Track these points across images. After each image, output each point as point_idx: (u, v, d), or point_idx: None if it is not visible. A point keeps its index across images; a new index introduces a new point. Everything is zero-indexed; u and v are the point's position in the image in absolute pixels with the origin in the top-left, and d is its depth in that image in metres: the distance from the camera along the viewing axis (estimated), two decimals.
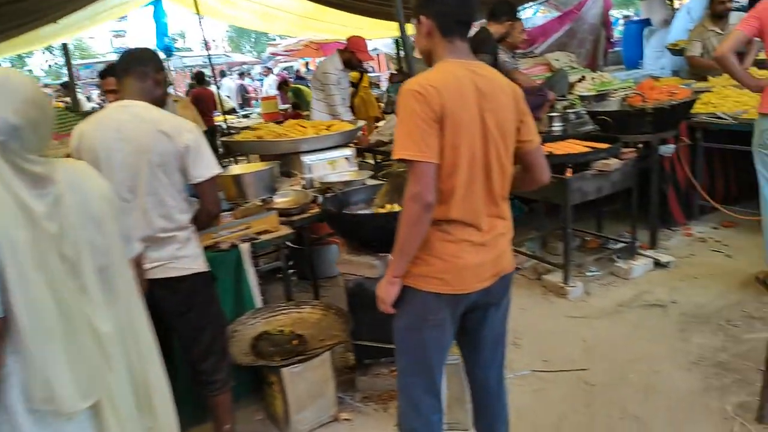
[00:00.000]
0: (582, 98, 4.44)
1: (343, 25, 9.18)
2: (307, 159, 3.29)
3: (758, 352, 2.40)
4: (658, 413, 2.26)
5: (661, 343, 2.74)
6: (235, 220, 2.65)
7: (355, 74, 6.89)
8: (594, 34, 7.98)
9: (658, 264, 3.56)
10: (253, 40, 31.49)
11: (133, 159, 1.96)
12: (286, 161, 3.54)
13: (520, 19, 4.67)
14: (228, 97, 13.01)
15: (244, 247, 2.57)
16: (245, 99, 13.49)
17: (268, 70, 15.27)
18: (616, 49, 11.80)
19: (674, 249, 3.81)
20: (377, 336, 2.46)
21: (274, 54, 15.06)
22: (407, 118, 1.50)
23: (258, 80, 16.62)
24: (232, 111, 12.01)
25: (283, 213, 2.90)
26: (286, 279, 2.85)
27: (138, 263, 1.62)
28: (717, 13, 4.81)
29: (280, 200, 3.14)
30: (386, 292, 1.62)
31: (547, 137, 3.84)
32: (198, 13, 7.39)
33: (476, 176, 1.55)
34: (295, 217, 2.91)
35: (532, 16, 16.92)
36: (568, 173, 3.21)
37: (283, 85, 10.47)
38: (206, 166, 2.04)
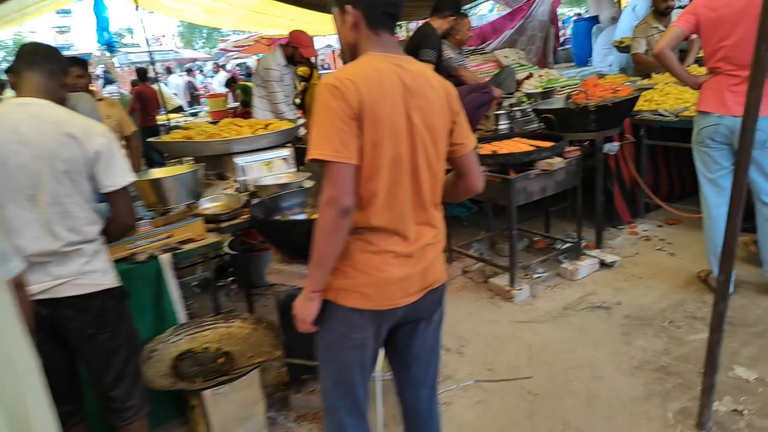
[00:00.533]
0: (529, 96, 4.39)
1: (292, 19, 8.94)
2: (240, 160, 3.10)
3: (699, 354, 2.35)
4: (599, 423, 2.19)
5: (605, 347, 2.68)
6: (155, 229, 2.44)
7: (304, 69, 6.68)
8: (543, 31, 8.02)
9: (603, 264, 3.53)
10: (205, 36, 30.68)
11: (33, 165, 1.73)
12: (220, 163, 3.33)
13: (466, 16, 4.58)
14: (175, 94, 12.56)
15: (165, 258, 2.37)
16: (194, 97, 13.03)
17: (219, 67, 14.82)
18: (567, 46, 11.97)
19: (620, 248, 3.80)
20: (311, 351, 2.30)
21: (224, 50, 14.63)
22: (322, 114, 1.35)
23: (211, 77, 16.13)
24: (179, 109, 11.58)
25: (211, 219, 2.71)
26: (213, 291, 2.65)
27: (19, 284, 1.41)
28: (660, 11, 4.84)
29: (210, 205, 2.94)
30: (304, 310, 1.46)
31: (494, 135, 3.76)
32: (136, 5, 7.02)
33: (401, 179, 1.41)
34: (225, 224, 2.72)
35: (488, 12, 17.04)
36: (513, 173, 3.13)
37: (231, 82, 10.12)
38: (119, 174, 1.84)
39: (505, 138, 3.66)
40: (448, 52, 4.40)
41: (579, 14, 17.62)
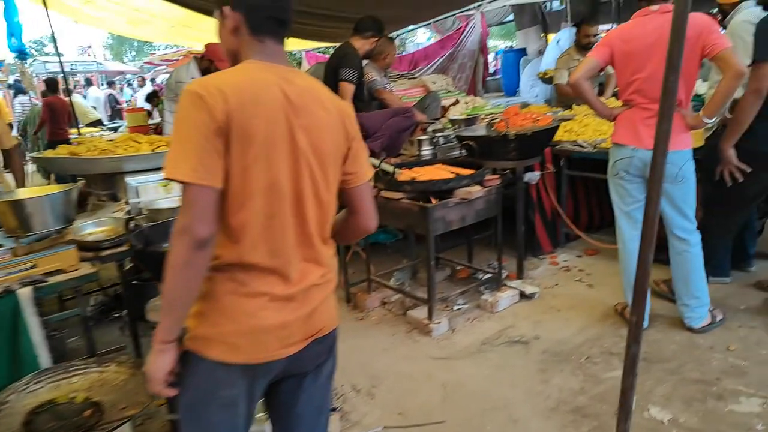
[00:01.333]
0: (453, 122, 4.32)
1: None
2: (133, 180, 2.78)
3: (616, 393, 2.23)
4: None
5: (522, 386, 2.55)
6: (14, 258, 2.10)
7: None
8: (472, 60, 8.14)
9: (523, 295, 3.44)
10: (135, 48, 29.58)
11: None
12: (113, 183, 3.00)
13: (391, 39, 4.49)
14: (94, 107, 11.84)
15: (24, 293, 2.03)
16: (115, 111, 12.34)
17: (144, 81, 14.16)
18: (497, 77, 12.29)
19: (540, 278, 3.74)
20: None
21: (150, 63, 14.01)
22: (180, 127, 1.13)
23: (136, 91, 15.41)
24: (98, 123, 10.92)
25: (91, 247, 2.39)
26: (87, 329, 2.31)
27: None
28: (582, 45, 4.96)
29: (95, 230, 2.61)
30: (154, 366, 1.20)
31: (416, 161, 3.63)
32: (46, 7, 6.54)
33: (280, 209, 1.20)
34: (107, 252, 2.40)
35: (426, 41, 17.33)
36: (432, 201, 3.00)
37: (153, 96, 9.62)
38: None
39: (427, 164, 3.54)
40: (372, 74, 4.29)
41: (511, 46, 18.32)
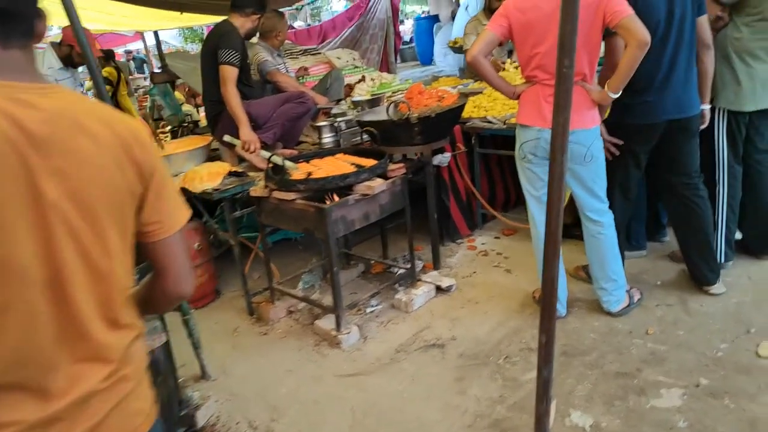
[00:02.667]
0: (355, 104, 3.98)
1: (108, 13, 7.83)
2: None
3: (534, 401, 2.09)
4: None
5: (437, 400, 2.33)
6: None
7: (109, 70, 5.73)
8: (383, 30, 7.78)
9: (439, 289, 3.22)
10: None
11: None
12: None
13: (280, 14, 4.06)
14: None
15: None
16: None
17: None
18: (412, 45, 11.99)
19: (458, 267, 3.53)
20: None
21: None
22: None
23: None
24: None
25: None
26: None
27: None
28: (492, 9, 4.67)
29: None
30: None
31: (315, 152, 3.28)
32: None
33: (21, 296, 0.82)
34: None
35: (343, 9, 16.68)
36: (328, 201, 2.68)
37: None
38: None
39: (328, 154, 3.20)
40: (263, 55, 3.87)
41: (425, 12, 18.01)
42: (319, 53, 5.47)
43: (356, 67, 5.31)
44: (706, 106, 2.78)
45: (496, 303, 3.05)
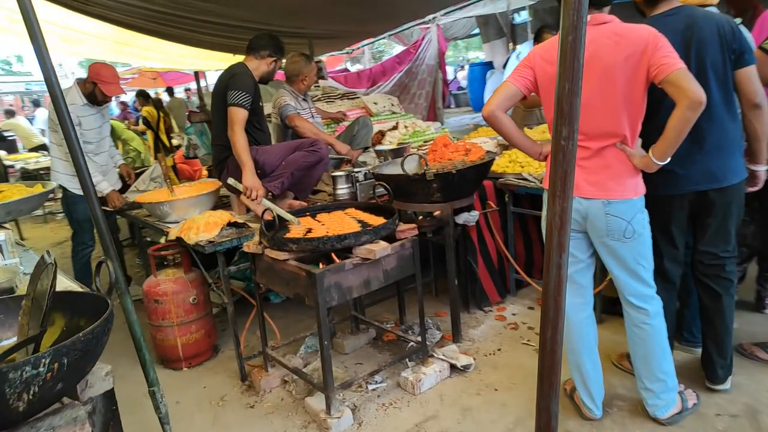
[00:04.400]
0: (378, 153, 3.69)
1: (162, 52, 8.11)
2: None
3: None
4: None
5: None
6: None
7: (149, 110, 5.76)
8: (432, 75, 7.57)
9: (454, 368, 2.80)
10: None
11: None
12: None
13: (309, 58, 3.88)
14: (42, 130, 11.16)
15: None
16: None
17: None
18: (465, 91, 11.79)
19: (481, 340, 3.10)
20: None
21: None
22: None
23: None
24: (40, 147, 10.26)
25: None
26: None
27: None
28: None
29: None
30: None
31: (324, 205, 2.99)
32: None
33: None
34: None
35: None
36: (322, 265, 2.36)
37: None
38: None
39: (338, 208, 2.90)
40: (285, 99, 3.68)
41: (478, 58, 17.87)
42: (357, 98, 5.28)
43: (394, 113, 5.06)
44: (761, 167, 2.29)
45: (518, 392, 2.59)
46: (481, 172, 3.00)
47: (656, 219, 2.22)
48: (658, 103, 2.08)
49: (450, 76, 12.82)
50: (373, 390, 2.73)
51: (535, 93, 2.17)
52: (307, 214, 2.83)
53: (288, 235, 2.47)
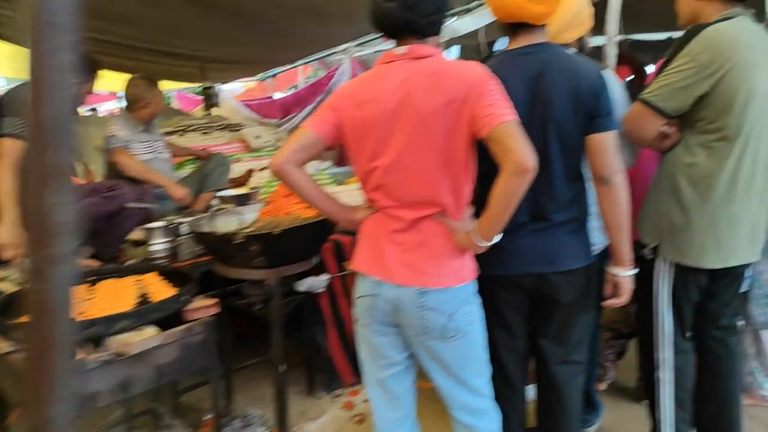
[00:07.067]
0: (223, 200, 3.12)
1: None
2: None
3: None
4: None
5: None
6: None
7: None
8: None
9: None
10: None
11: None
12: None
13: (152, 82, 3.31)
14: None
15: None
16: None
17: None
18: None
19: None
20: None
21: None
22: None
23: None
24: None
25: None
26: None
27: None
28: None
29: None
30: None
31: (116, 268, 2.39)
32: None
33: None
34: None
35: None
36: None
37: None
38: None
39: (134, 272, 2.30)
40: (114, 128, 3.08)
41: None
42: (236, 130, 4.72)
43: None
44: (622, 272, 1.80)
45: None
46: (323, 229, 2.48)
47: (488, 301, 1.75)
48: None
49: None
50: None
51: (342, 143, 1.66)
52: (90, 280, 2.21)
53: (22, 319, 1.85)
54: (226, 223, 2.35)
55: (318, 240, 2.53)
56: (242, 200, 2.99)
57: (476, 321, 1.64)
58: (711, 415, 2.08)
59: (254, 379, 2.90)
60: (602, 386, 2.84)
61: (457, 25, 6.59)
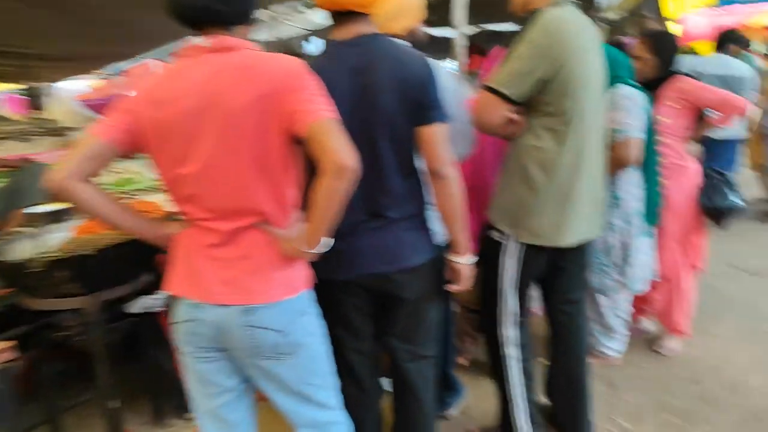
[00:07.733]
0: (32, 218, 2.68)
1: None
2: None
3: None
4: None
5: None
6: None
7: None
8: None
9: None
10: None
11: None
12: None
13: None
14: None
15: None
16: None
17: None
18: None
19: None
20: None
21: None
22: None
23: None
24: None
25: None
26: None
27: None
28: None
29: None
30: None
31: None
32: None
33: None
34: None
35: None
36: None
37: None
38: None
39: None
40: None
41: None
42: (65, 135, 4.17)
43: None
44: (460, 259, 1.76)
45: None
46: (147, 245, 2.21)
47: (329, 307, 1.64)
48: None
49: None
50: None
51: (138, 149, 1.44)
52: None
53: None
54: (22, 248, 2.00)
55: (145, 255, 2.25)
56: (56, 217, 2.58)
57: (315, 332, 1.52)
58: (562, 381, 2.18)
59: (89, 416, 2.55)
60: (464, 361, 2.87)
61: (315, 17, 6.40)
